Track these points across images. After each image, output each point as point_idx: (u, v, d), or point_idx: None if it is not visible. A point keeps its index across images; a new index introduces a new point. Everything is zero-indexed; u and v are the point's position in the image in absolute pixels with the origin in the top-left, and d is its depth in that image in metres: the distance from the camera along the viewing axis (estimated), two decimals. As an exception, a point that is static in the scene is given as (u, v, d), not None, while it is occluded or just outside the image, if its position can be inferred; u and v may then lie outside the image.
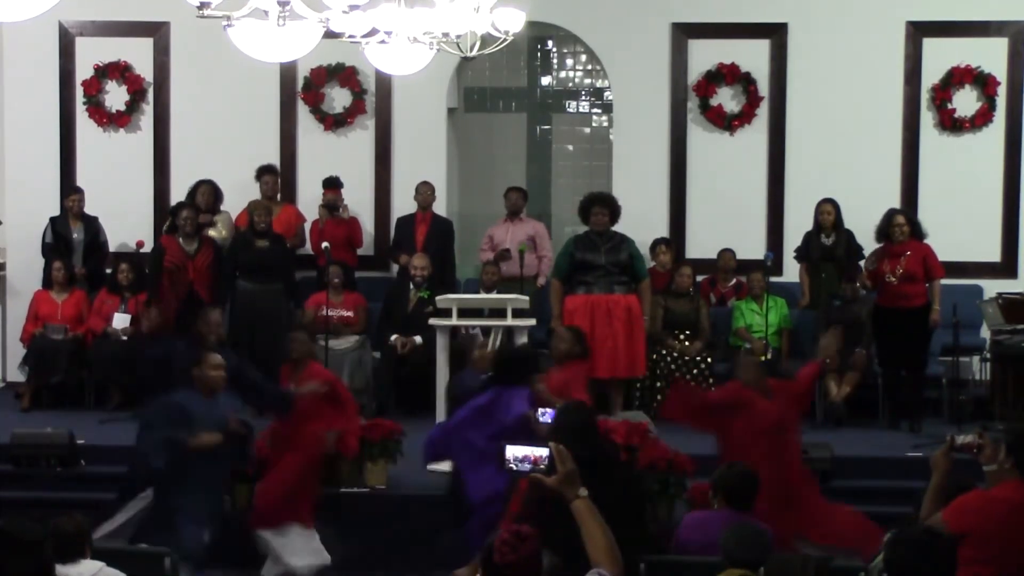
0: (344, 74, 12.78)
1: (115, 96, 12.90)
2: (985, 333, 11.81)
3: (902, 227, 11.08)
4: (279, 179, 12.44)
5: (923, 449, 9.62)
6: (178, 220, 11.68)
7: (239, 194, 12.25)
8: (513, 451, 4.68)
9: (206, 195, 11.99)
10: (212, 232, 11.93)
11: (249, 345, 11.56)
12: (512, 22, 8.86)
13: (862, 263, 11.73)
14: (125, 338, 11.65)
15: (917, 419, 10.98)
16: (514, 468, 4.68)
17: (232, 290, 11.72)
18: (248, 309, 11.59)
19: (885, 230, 11.15)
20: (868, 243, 11.78)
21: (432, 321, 9.80)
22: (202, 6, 5.81)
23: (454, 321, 9.56)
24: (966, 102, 12.55)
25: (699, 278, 12.15)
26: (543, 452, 4.63)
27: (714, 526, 6.52)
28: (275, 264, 11.63)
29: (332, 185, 12.25)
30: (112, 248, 12.51)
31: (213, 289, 11.66)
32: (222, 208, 12.18)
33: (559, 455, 4.57)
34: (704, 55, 12.66)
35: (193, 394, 7.58)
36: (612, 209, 11.15)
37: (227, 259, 11.73)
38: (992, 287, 12.07)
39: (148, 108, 12.91)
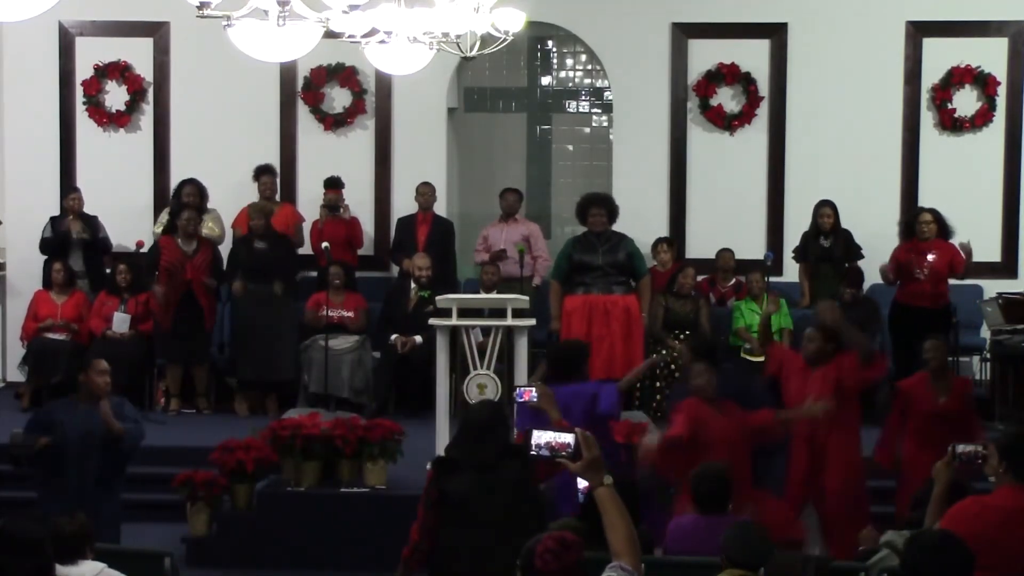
0: (344, 74, 12.78)
1: (115, 96, 12.90)
2: (985, 333, 11.81)
3: (929, 224, 11.04)
4: (277, 179, 12.44)
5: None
6: (179, 220, 11.68)
7: (239, 194, 12.25)
8: (538, 437, 4.70)
9: (192, 195, 11.97)
10: (204, 231, 11.92)
11: (247, 346, 11.58)
12: (512, 22, 8.85)
13: (861, 263, 11.75)
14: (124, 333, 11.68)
15: None
16: (539, 453, 4.70)
17: (231, 291, 11.73)
18: (248, 310, 11.59)
19: (911, 226, 11.12)
20: (867, 243, 11.79)
21: (432, 321, 9.79)
22: (202, 6, 5.81)
23: (454, 321, 9.55)
24: (966, 102, 12.55)
25: (699, 278, 12.14)
26: (569, 438, 4.64)
27: (696, 532, 6.52)
28: (273, 265, 11.63)
29: (333, 185, 12.24)
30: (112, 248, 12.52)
31: (209, 289, 11.71)
32: (210, 207, 12.17)
33: (585, 441, 4.57)
34: (704, 55, 12.66)
35: (70, 402, 7.88)
36: (610, 209, 11.14)
37: (229, 261, 11.73)
38: (992, 287, 12.07)
39: (148, 108, 12.91)
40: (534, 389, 7.59)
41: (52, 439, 7.71)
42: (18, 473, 9.74)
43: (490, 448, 6.39)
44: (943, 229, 11.11)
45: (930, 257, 10.98)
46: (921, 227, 11.06)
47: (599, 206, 11.11)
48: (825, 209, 11.92)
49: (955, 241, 11.07)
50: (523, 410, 7.88)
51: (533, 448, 4.70)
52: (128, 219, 12.62)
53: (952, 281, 11.41)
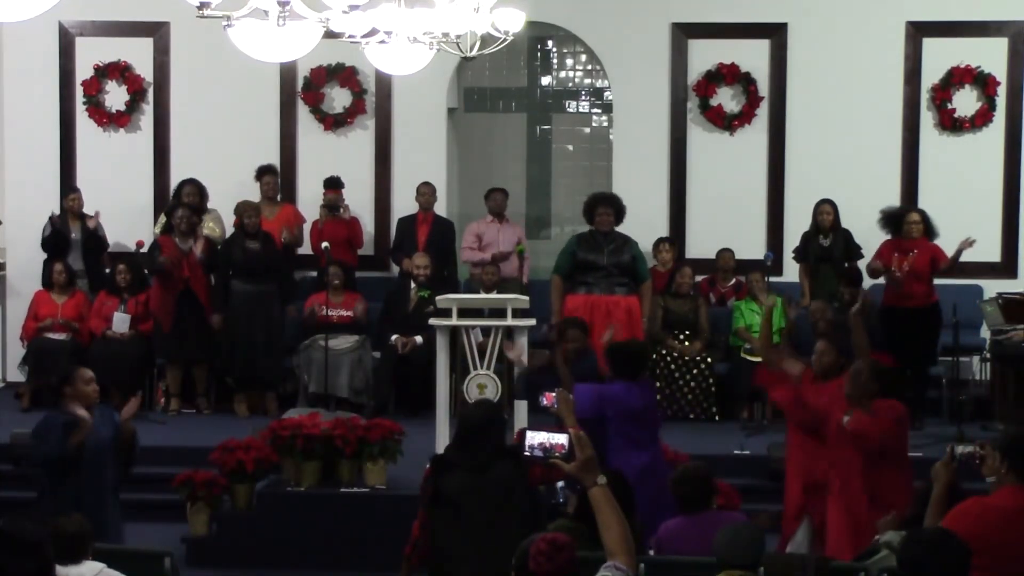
0: (344, 74, 12.78)
1: (115, 96, 12.90)
2: (985, 333, 11.81)
3: (916, 224, 11.09)
4: (279, 179, 12.44)
5: (923, 449, 9.62)
6: (173, 219, 11.70)
7: (239, 194, 12.24)
8: (532, 437, 4.69)
9: (192, 195, 11.99)
10: (204, 231, 11.93)
11: (242, 346, 11.56)
12: (512, 22, 8.85)
13: (860, 263, 11.76)
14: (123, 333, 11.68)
15: (919, 417, 10.99)
16: (533, 454, 4.69)
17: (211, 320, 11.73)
18: (241, 310, 11.59)
19: (898, 225, 11.14)
20: (866, 243, 11.78)
21: (432, 321, 9.80)
22: (202, 6, 5.80)
23: (454, 321, 9.55)
24: (966, 102, 12.55)
25: (699, 278, 12.15)
26: (562, 439, 4.63)
27: (685, 533, 6.52)
28: (267, 265, 11.63)
29: (333, 185, 12.25)
30: (111, 248, 12.52)
31: (208, 288, 11.74)
32: (210, 206, 12.19)
33: (579, 442, 4.57)
34: (704, 55, 12.66)
35: (62, 415, 7.49)
36: (617, 209, 11.15)
37: (220, 260, 11.73)
38: (992, 287, 12.07)
39: (148, 108, 12.91)
40: (555, 394, 7.58)
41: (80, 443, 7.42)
42: (22, 472, 9.80)
43: (484, 449, 6.40)
44: (929, 230, 11.14)
45: (910, 256, 11.00)
46: (910, 227, 11.09)
47: (607, 205, 11.13)
48: (825, 207, 11.92)
49: (938, 241, 11.15)
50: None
51: (527, 449, 4.70)
52: (128, 219, 12.63)
53: (952, 281, 11.42)
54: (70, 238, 12.29)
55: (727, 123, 12.67)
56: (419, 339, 11.44)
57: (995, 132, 12.55)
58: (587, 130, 13.77)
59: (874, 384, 7.43)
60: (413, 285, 11.71)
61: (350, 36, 7.93)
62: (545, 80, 13.71)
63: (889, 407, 7.42)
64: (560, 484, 7.65)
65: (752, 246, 12.36)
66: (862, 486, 7.33)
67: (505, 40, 9.03)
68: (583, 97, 13.69)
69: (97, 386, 7.66)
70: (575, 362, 8.59)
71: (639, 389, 8.04)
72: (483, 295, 11.16)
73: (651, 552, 6.60)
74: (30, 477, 9.39)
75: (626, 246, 11.08)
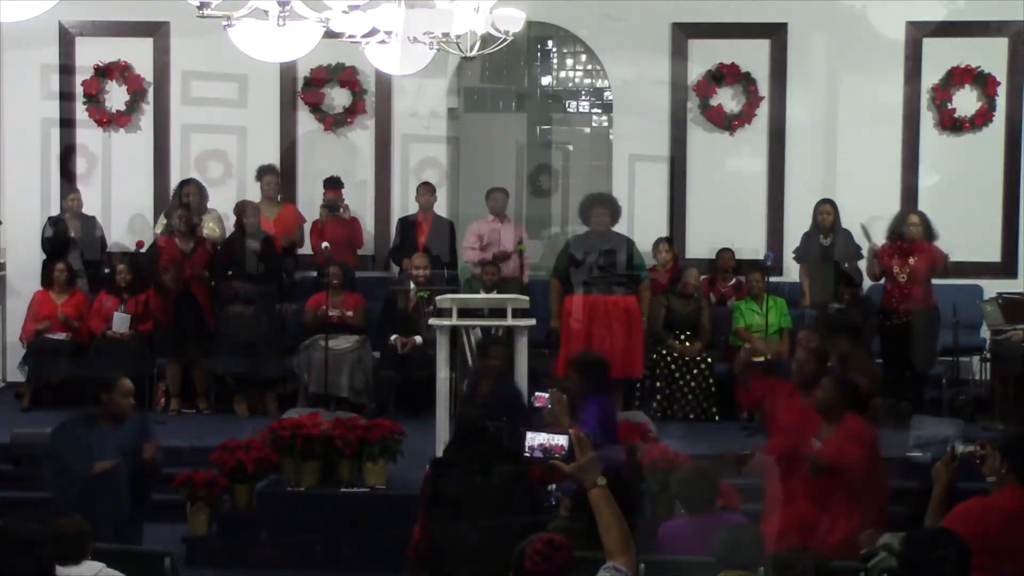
0: (344, 74, 12.78)
1: (115, 96, 12.90)
2: (985, 333, 11.81)
3: (916, 226, 11.10)
4: (279, 179, 12.45)
5: (923, 450, 9.62)
6: (172, 219, 11.70)
7: (240, 195, 12.26)
8: (532, 438, 4.68)
9: (192, 195, 12.00)
10: (205, 231, 11.93)
11: (242, 346, 11.56)
12: (512, 22, 8.85)
13: (861, 263, 11.76)
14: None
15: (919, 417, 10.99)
16: (533, 455, 4.69)
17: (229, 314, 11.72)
18: (241, 310, 11.59)
19: (899, 228, 11.16)
20: (866, 243, 11.78)
21: (432, 321, 9.80)
22: (202, 6, 5.81)
23: (454, 321, 9.55)
24: (966, 102, 12.56)
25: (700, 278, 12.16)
26: (562, 440, 4.63)
27: (687, 534, 6.52)
28: (267, 265, 11.63)
29: (333, 185, 12.25)
30: (111, 248, 12.53)
31: (208, 288, 11.74)
32: (210, 206, 12.19)
33: (579, 443, 4.56)
34: (704, 55, 12.66)
35: (89, 422, 7.50)
36: (613, 210, 11.15)
37: (220, 260, 11.73)
38: (992, 287, 12.07)
39: (148, 108, 12.91)
40: (547, 395, 7.56)
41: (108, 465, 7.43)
42: (22, 472, 9.79)
43: (480, 449, 6.40)
44: (929, 231, 11.16)
45: (911, 260, 11.02)
46: (910, 228, 11.10)
47: (603, 206, 11.13)
48: (825, 206, 11.93)
49: (938, 243, 11.14)
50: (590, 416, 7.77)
51: (527, 449, 4.70)
52: (128, 219, 12.63)
53: (952, 281, 11.42)
54: (70, 239, 12.28)
55: (727, 123, 12.67)
56: (419, 339, 11.44)
57: (995, 132, 12.56)
58: (587, 130, 13.78)
59: (842, 400, 7.15)
60: (412, 285, 11.71)
61: (350, 36, 7.93)
62: (545, 80, 13.71)
63: (859, 432, 7.10)
64: (551, 487, 7.63)
65: (752, 246, 12.37)
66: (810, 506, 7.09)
67: (505, 40, 9.02)
68: (583, 97, 13.70)
69: (134, 400, 7.64)
70: (496, 381, 8.50)
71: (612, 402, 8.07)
72: (483, 295, 11.16)
73: None
74: (33, 477, 9.43)
75: (623, 246, 11.08)
